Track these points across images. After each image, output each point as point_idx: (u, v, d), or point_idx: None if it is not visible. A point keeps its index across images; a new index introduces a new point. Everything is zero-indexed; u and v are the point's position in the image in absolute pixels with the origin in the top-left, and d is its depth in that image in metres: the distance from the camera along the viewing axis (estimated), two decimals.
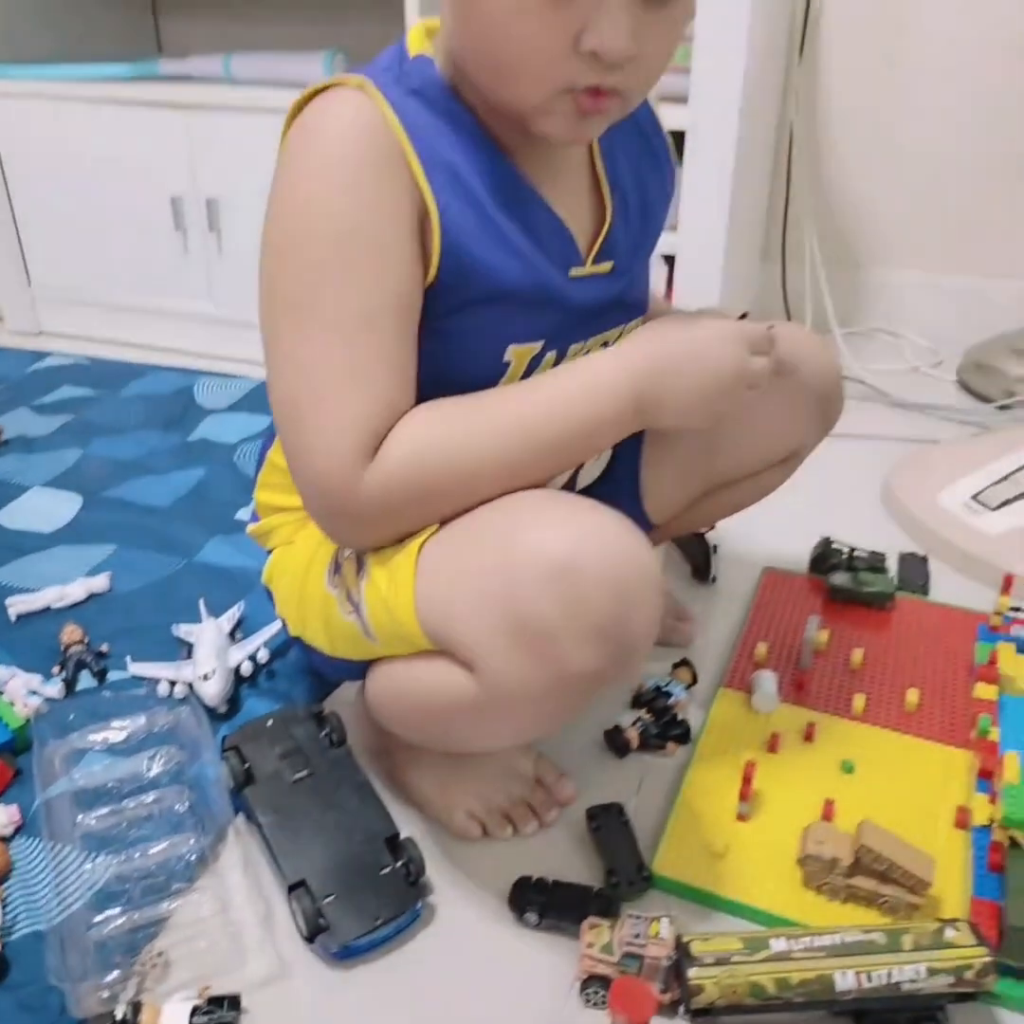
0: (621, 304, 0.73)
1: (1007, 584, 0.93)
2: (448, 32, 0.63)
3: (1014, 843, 0.68)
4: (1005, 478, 1.19)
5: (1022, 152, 1.60)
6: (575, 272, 0.69)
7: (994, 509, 1.15)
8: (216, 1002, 0.60)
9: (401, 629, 0.64)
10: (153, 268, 1.63)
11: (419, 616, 0.62)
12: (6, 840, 0.72)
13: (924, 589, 1.07)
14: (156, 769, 0.77)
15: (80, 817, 0.72)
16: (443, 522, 0.63)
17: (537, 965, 0.66)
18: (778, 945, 0.61)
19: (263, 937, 0.67)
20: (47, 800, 0.74)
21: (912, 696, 0.88)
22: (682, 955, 0.61)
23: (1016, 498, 1.15)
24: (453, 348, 0.65)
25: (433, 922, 0.69)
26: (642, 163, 0.74)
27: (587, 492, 0.78)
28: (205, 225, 1.55)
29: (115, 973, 0.60)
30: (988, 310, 1.67)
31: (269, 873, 0.71)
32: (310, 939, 0.65)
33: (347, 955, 0.65)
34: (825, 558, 1.08)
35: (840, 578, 1.04)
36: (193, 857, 0.70)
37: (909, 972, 0.59)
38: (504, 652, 0.59)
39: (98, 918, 0.64)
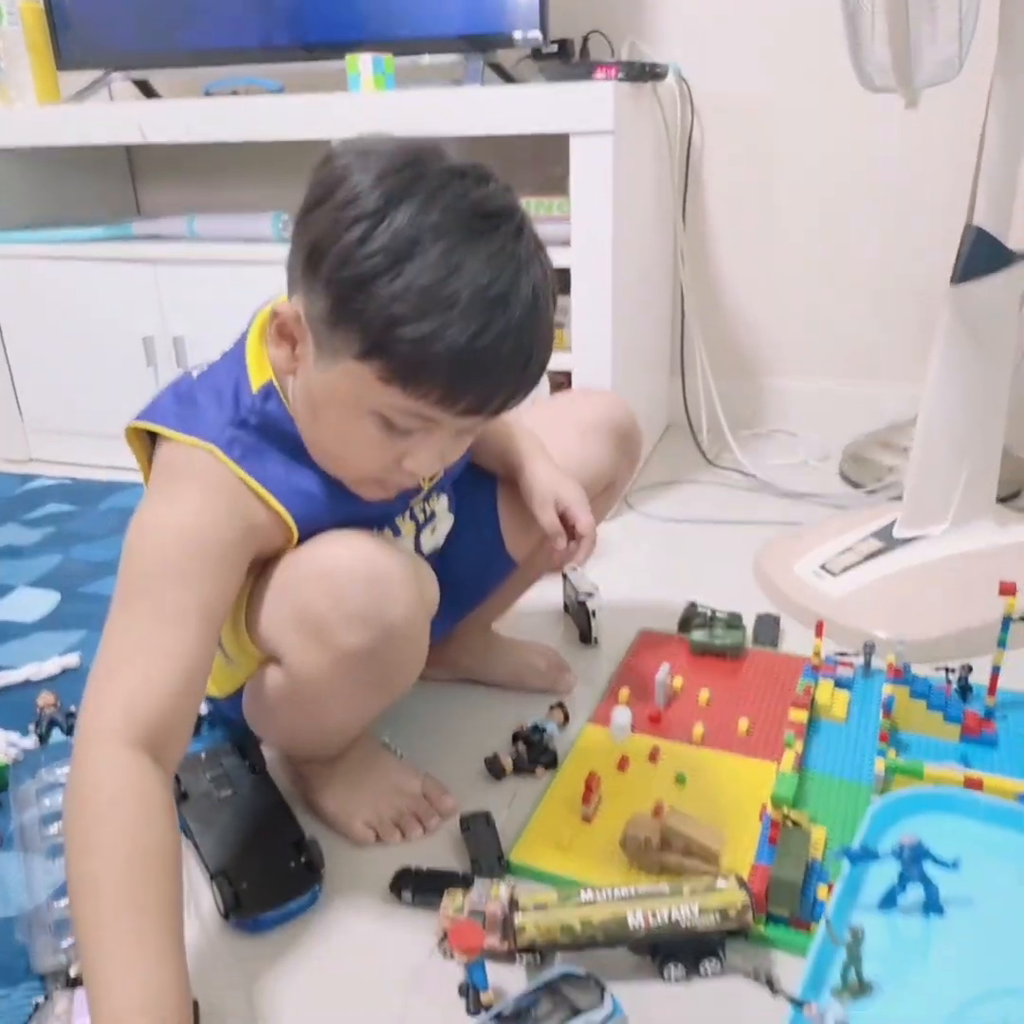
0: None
1: (819, 629, 1.13)
2: (293, 395, 0.79)
3: (789, 821, 0.86)
4: (849, 549, 1.40)
5: (897, 272, 1.88)
6: (414, 500, 0.92)
7: (837, 575, 1.36)
8: None
9: (242, 643, 0.86)
10: (128, 398, 1.84)
11: (251, 635, 0.84)
12: None
13: (774, 643, 1.26)
14: None
15: (47, 832, 0.90)
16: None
17: (410, 932, 0.83)
18: (585, 896, 0.78)
19: (191, 916, 0.83)
20: (20, 824, 0.91)
21: (743, 724, 1.07)
22: (511, 905, 0.78)
23: (855, 565, 1.36)
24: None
25: (329, 904, 0.86)
26: None
27: (455, 544, 0.99)
28: (173, 360, 1.80)
29: (69, 940, 0.77)
30: (874, 411, 1.92)
31: (198, 874, 0.88)
32: (227, 915, 0.82)
33: (257, 927, 0.82)
34: (690, 619, 1.27)
35: (699, 634, 1.23)
36: None
37: (685, 911, 0.76)
38: (294, 641, 0.80)
39: (58, 904, 0.81)
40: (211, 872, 0.84)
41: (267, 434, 0.80)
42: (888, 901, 0.72)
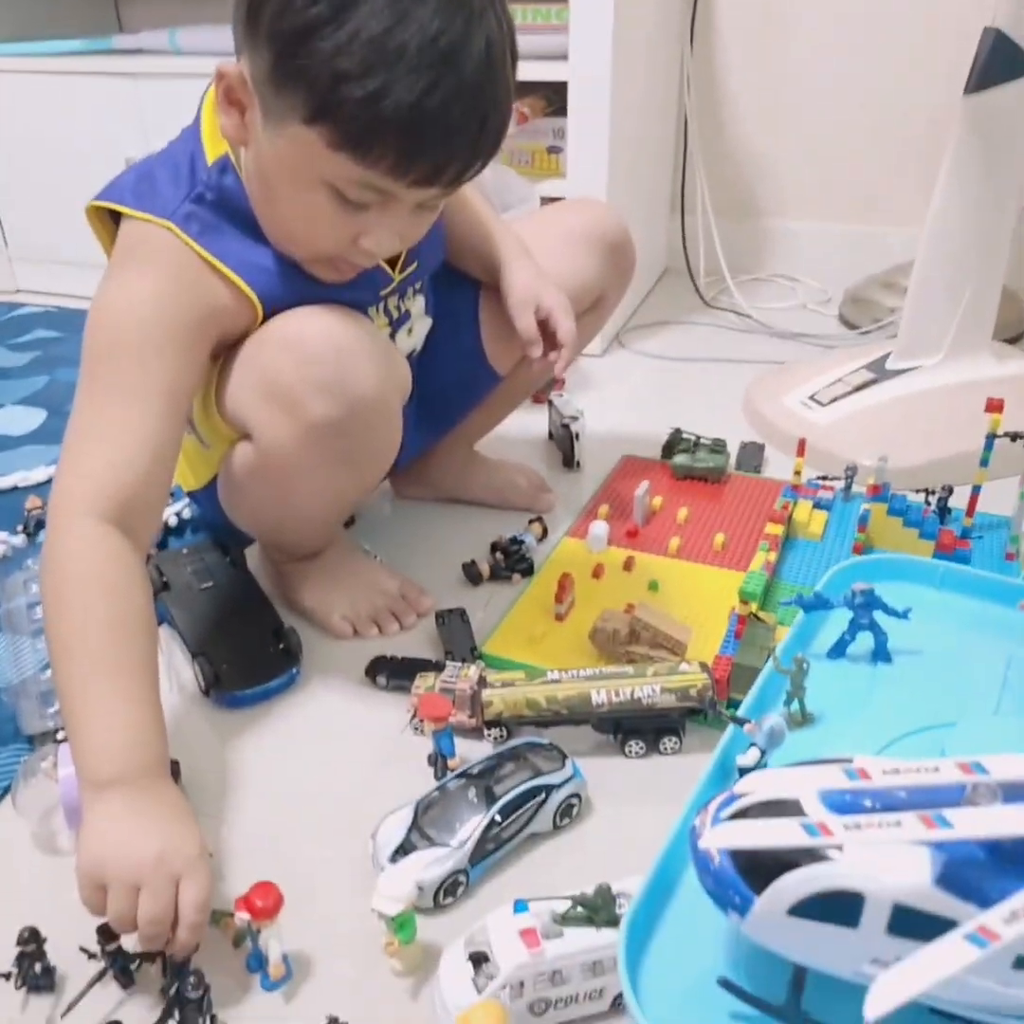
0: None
1: (801, 447, 1.12)
2: (246, 170, 0.76)
3: (755, 617, 0.88)
4: (839, 380, 1.38)
5: (905, 109, 1.79)
6: (384, 291, 0.88)
7: (825, 405, 1.35)
8: None
9: (213, 422, 0.85)
10: None
11: (221, 410, 0.84)
12: None
13: (757, 469, 1.27)
14: None
15: (33, 616, 0.92)
16: None
17: (383, 712, 0.86)
18: (552, 676, 0.81)
19: (172, 691, 0.87)
20: (8, 609, 0.94)
21: (719, 539, 1.08)
22: (480, 683, 0.81)
23: (844, 395, 1.35)
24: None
25: (306, 687, 0.89)
26: None
27: (435, 353, 0.97)
28: None
29: (55, 707, 0.80)
30: (878, 254, 1.85)
31: (184, 666, 0.91)
32: (206, 692, 0.85)
33: (236, 703, 0.85)
34: (674, 444, 1.27)
35: (681, 457, 1.23)
36: None
37: (647, 690, 0.79)
38: (263, 412, 0.80)
39: (44, 676, 0.85)
40: (192, 652, 0.87)
41: (224, 209, 0.77)
42: (838, 650, 0.73)
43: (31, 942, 0.61)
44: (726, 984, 0.36)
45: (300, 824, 0.75)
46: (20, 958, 0.61)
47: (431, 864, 0.67)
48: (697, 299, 1.84)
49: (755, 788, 0.38)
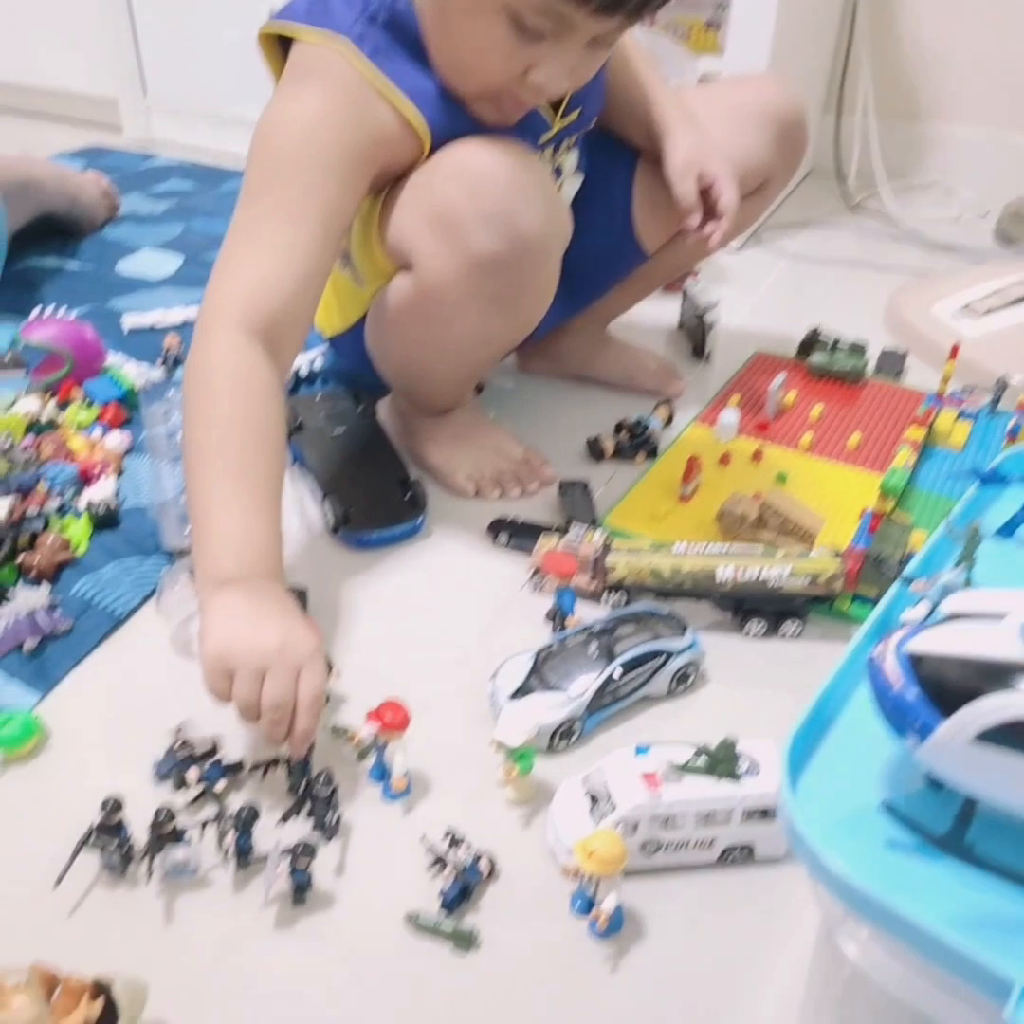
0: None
1: (953, 352, 1.07)
2: (420, 7, 0.75)
3: (891, 515, 0.85)
4: (995, 293, 1.31)
5: None
6: (543, 139, 0.85)
7: (979, 316, 1.27)
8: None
9: (373, 256, 0.85)
10: (252, 81, 1.80)
11: (383, 241, 0.83)
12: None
13: (897, 376, 1.21)
14: None
15: (173, 443, 0.96)
16: None
17: (503, 569, 0.87)
18: (679, 548, 0.80)
19: (300, 527, 0.89)
20: (150, 435, 0.98)
21: (855, 438, 1.05)
22: (604, 548, 0.81)
23: (1001, 307, 1.28)
24: None
25: (430, 539, 0.90)
26: None
27: (581, 221, 0.95)
28: None
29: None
30: None
31: (312, 505, 0.93)
32: (335, 530, 0.87)
33: (362, 544, 0.87)
34: (812, 343, 1.23)
35: (818, 356, 1.19)
36: None
37: (775, 572, 0.78)
38: (427, 242, 0.79)
39: (182, 501, 0.88)
40: (323, 492, 0.89)
41: (395, 32, 0.76)
42: (1008, 529, 0.70)
43: (114, 814, 0.59)
44: (890, 808, 0.36)
45: (420, 661, 0.77)
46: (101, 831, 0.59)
47: (549, 708, 0.68)
48: (842, 202, 1.75)
49: (962, 605, 0.37)
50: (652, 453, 1.03)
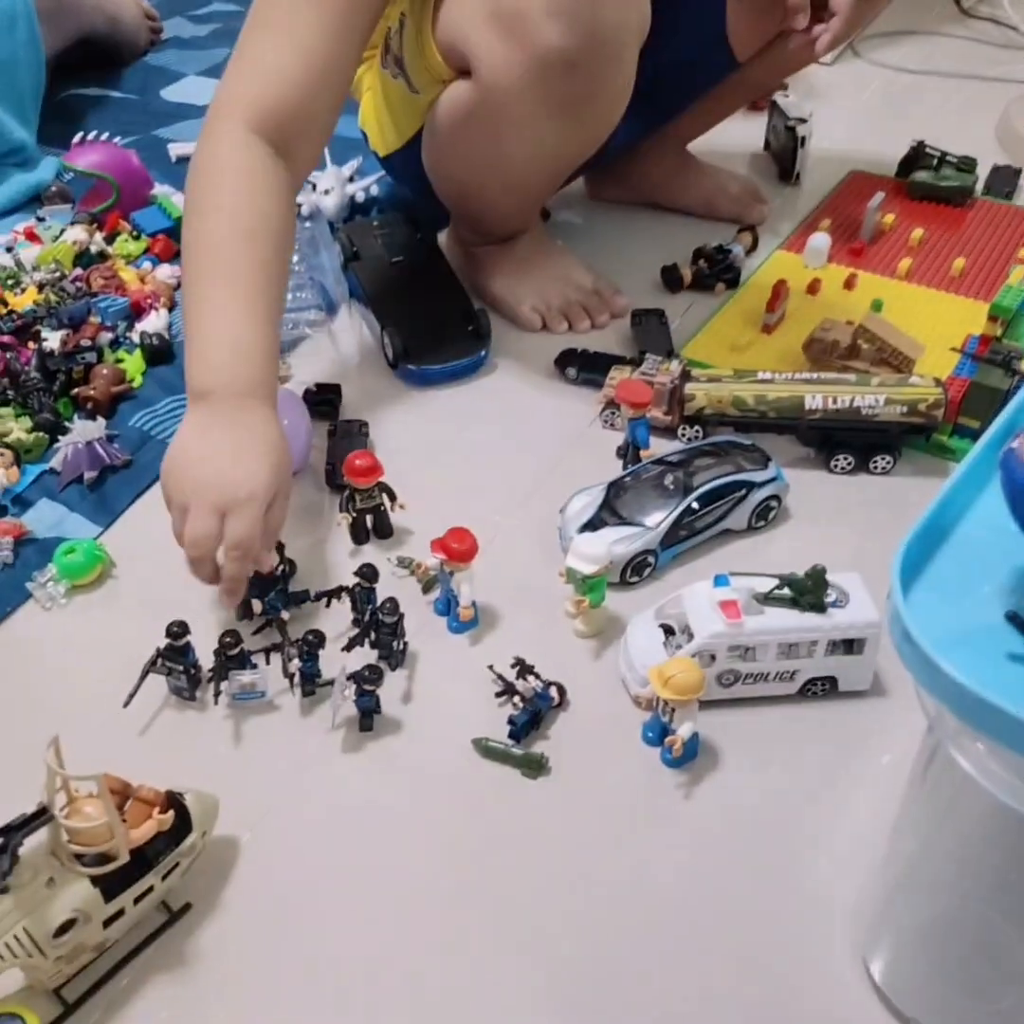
0: None
1: None
2: None
3: (1001, 339, 0.77)
4: None
5: None
6: None
7: None
8: (323, 388, 0.80)
9: (427, 59, 0.78)
10: None
11: (437, 40, 0.76)
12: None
13: (1009, 196, 1.09)
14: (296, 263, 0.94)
15: None
16: None
17: (570, 404, 0.82)
18: (764, 375, 0.74)
19: (362, 371, 0.86)
20: None
21: (958, 264, 0.95)
22: (682, 377, 0.75)
23: None
24: None
25: (492, 373, 0.86)
26: None
27: (666, 22, 0.84)
28: None
29: None
30: None
31: (372, 340, 0.89)
32: (395, 364, 0.83)
33: (425, 378, 0.83)
34: (915, 159, 1.11)
35: (922, 174, 1.07)
36: (314, 315, 0.88)
37: (869, 400, 0.72)
38: (488, 39, 0.71)
39: None
40: (382, 324, 0.84)
41: None
42: None
43: (180, 637, 0.58)
44: (1013, 618, 0.32)
45: (486, 497, 0.74)
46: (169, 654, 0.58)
47: (622, 540, 0.65)
48: (951, 6, 1.56)
49: None
50: (733, 282, 0.96)
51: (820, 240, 0.96)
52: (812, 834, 0.54)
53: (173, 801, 0.48)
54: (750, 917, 0.51)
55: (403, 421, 0.81)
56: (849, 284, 0.94)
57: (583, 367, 0.84)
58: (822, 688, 0.59)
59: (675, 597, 0.60)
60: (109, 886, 0.42)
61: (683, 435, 0.77)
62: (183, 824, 0.47)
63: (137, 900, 0.44)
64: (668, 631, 0.60)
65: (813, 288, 0.93)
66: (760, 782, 0.56)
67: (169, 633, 0.58)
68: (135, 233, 0.96)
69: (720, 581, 0.58)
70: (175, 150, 1.14)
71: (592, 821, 0.54)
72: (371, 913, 0.51)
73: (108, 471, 0.73)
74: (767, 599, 0.57)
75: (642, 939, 0.50)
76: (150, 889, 0.44)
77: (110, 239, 0.96)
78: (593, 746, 0.58)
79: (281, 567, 0.64)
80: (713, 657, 0.57)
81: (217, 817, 0.51)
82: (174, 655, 0.58)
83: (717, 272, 0.96)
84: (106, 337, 0.82)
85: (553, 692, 0.58)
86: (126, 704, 0.58)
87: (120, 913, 0.43)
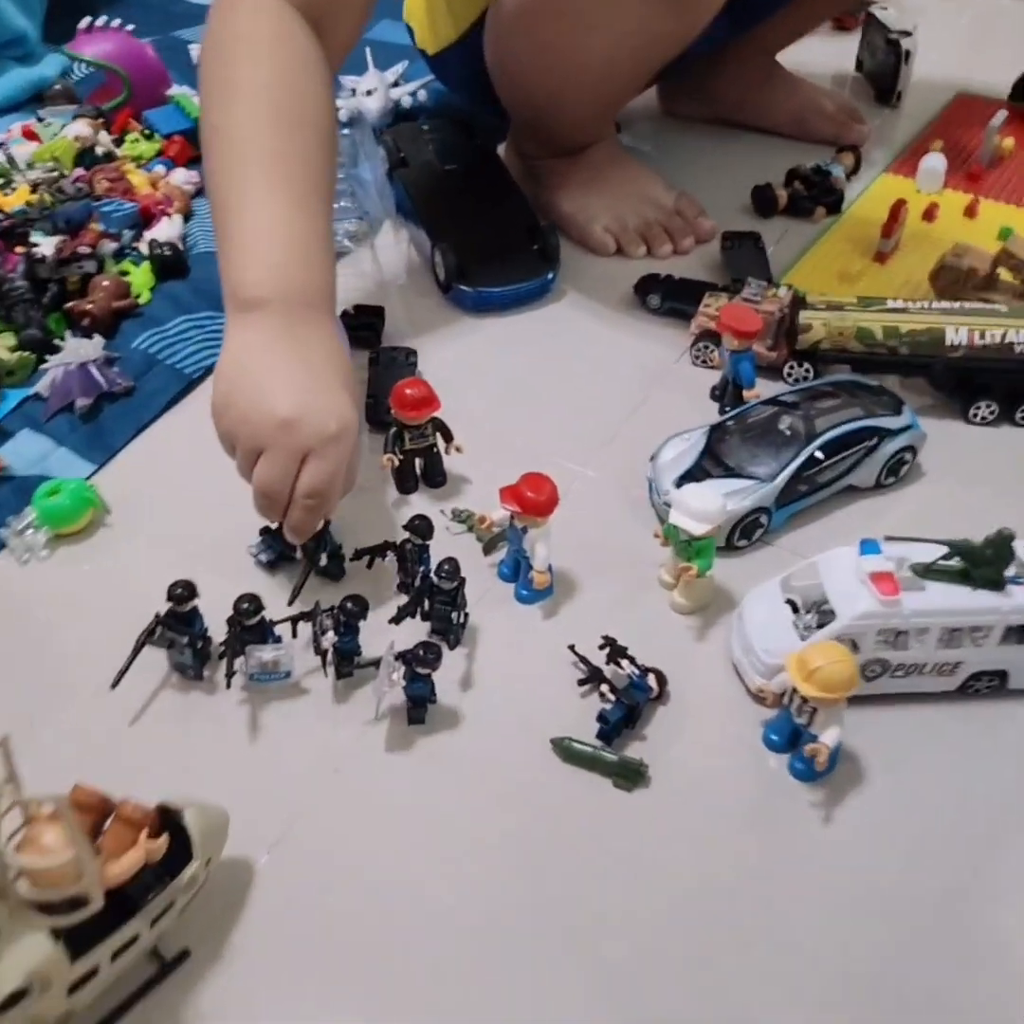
0: None
1: None
2: None
3: None
4: None
5: None
6: None
7: None
8: (363, 310, 0.68)
9: None
10: None
11: None
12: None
13: None
14: None
15: None
16: None
17: (651, 339, 0.70)
18: (894, 304, 0.62)
19: (410, 293, 0.73)
20: None
21: None
22: (795, 303, 0.62)
23: None
24: None
25: (560, 300, 0.73)
26: None
27: None
28: None
29: None
30: None
31: (421, 259, 0.76)
32: (448, 287, 0.71)
33: (481, 303, 0.71)
34: None
35: None
36: (354, 225, 0.76)
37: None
38: None
39: None
40: (433, 240, 0.72)
41: None
42: None
43: (185, 601, 0.46)
44: None
45: (556, 442, 0.62)
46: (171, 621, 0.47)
47: (732, 496, 0.53)
48: None
49: None
50: (835, 207, 0.82)
51: (935, 160, 0.83)
52: (987, 875, 0.42)
53: (167, 820, 0.36)
54: (912, 988, 0.39)
55: (456, 351, 0.69)
56: (970, 211, 0.81)
57: (668, 295, 0.71)
58: (989, 684, 0.47)
59: (807, 565, 0.48)
60: (77, 939, 0.31)
61: (789, 375, 0.65)
62: (181, 850, 0.36)
63: (116, 955, 0.32)
64: (798, 606, 0.48)
65: (929, 214, 0.80)
66: (915, 802, 0.44)
67: (172, 595, 0.46)
68: (147, 133, 0.84)
69: (868, 548, 0.46)
70: (197, 50, 1.01)
71: (701, 845, 0.43)
72: (421, 961, 0.39)
73: (105, 400, 0.62)
74: (929, 572, 0.45)
75: (767, 1012, 0.38)
76: (135, 938, 0.33)
77: (119, 141, 0.83)
78: (701, 750, 0.46)
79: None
80: (856, 644, 0.45)
81: (226, 837, 0.39)
82: (177, 623, 0.47)
83: (816, 195, 0.83)
84: (109, 246, 0.71)
85: (651, 681, 0.46)
86: (114, 685, 0.46)
87: (92, 973, 0.32)
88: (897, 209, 0.74)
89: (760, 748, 0.46)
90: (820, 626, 0.47)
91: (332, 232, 0.56)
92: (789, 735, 0.45)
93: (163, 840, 0.35)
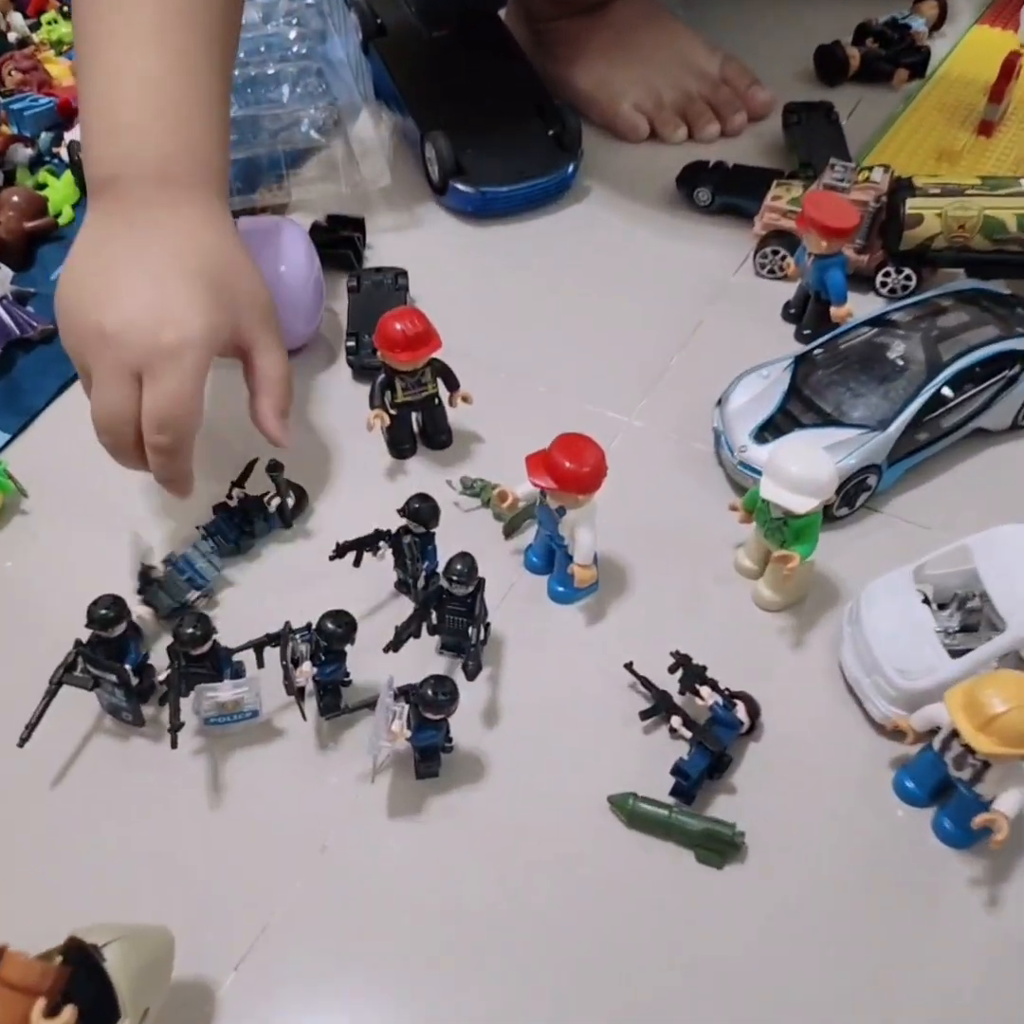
0: None
1: None
2: None
3: None
4: None
5: None
6: None
7: None
8: (337, 222, 0.54)
9: None
10: None
11: None
12: None
13: None
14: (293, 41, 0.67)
15: None
16: None
17: (706, 242, 0.56)
18: None
19: (395, 195, 0.59)
20: None
21: None
22: (897, 188, 0.48)
23: None
24: None
25: (587, 195, 0.60)
26: None
27: None
28: None
29: None
30: None
31: (407, 150, 0.62)
32: (442, 187, 0.57)
33: (485, 206, 0.57)
34: None
35: None
36: (323, 113, 0.61)
37: None
38: None
39: None
40: (421, 128, 0.58)
41: None
42: None
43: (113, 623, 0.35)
44: None
45: (587, 374, 0.49)
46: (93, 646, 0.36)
47: (833, 450, 0.40)
48: None
49: None
50: (920, 68, 0.68)
51: None
52: None
53: (79, 966, 0.25)
54: None
55: (456, 271, 0.55)
56: None
57: (721, 187, 0.57)
58: None
59: (955, 549, 0.35)
60: None
61: (883, 285, 0.51)
62: (101, 1007, 0.25)
63: None
64: (942, 604, 0.35)
65: None
66: None
67: (94, 617, 0.35)
68: (69, 12, 0.69)
69: None
70: None
71: (817, 941, 0.32)
72: None
73: (16, 348, 0.49)
74: None
75: None
76: None
77: (36, 24, 0.68)
78: (811, 805, 0.34)
79: (272, 497, 0.41)
80: None
81: (170, 971, 0.28)
82: (103, 656, 0.35)
83: (895, 54, 0.68)
84: (23, 152, 0.57)
85: (740, 713, 0.35)
86: (22, 742, 0.35)
87: None
88: (1009, 65, 0.59)
89: (892, 798, 0.34)
90: (963, 630, 0.35)
91: (228, 95, 0.44)
92: (935, 785, 0.33)
93: (69, 1013, 0.24)
